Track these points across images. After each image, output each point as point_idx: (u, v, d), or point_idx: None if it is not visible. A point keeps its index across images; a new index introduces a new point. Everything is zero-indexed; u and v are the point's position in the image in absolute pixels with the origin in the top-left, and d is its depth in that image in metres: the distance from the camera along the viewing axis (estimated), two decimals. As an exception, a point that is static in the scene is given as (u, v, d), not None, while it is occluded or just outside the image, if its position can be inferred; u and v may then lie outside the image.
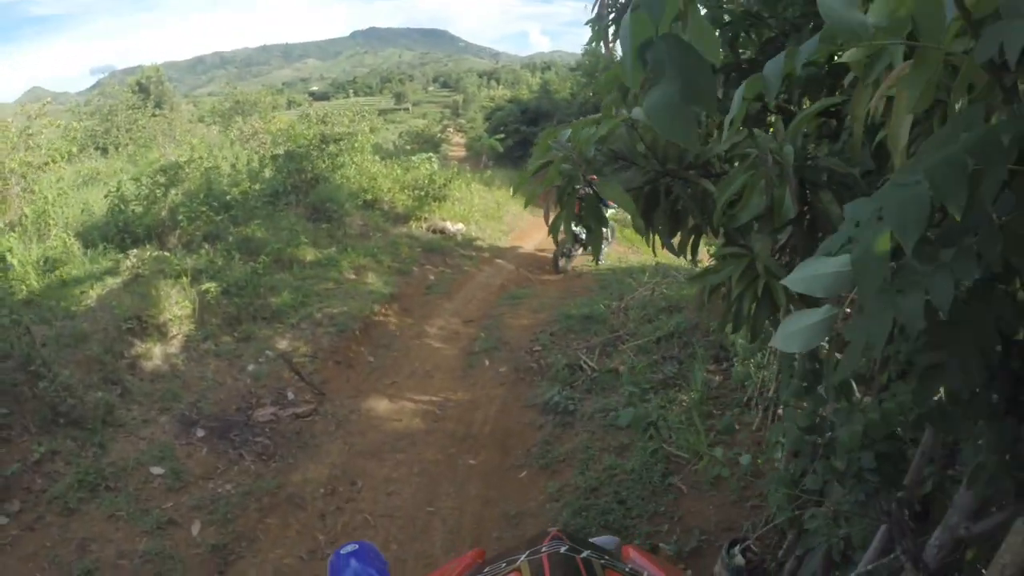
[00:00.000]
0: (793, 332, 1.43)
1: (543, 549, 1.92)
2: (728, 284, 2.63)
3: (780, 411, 5.33)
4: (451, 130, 35.19)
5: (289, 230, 11.17)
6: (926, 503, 2.91)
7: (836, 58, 2.44)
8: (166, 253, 9.11)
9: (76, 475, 5.41)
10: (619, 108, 2.88)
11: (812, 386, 3.04)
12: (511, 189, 18.10)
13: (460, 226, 15.19)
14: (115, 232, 9.73)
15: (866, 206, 1.29)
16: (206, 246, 9.77)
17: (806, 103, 3.15)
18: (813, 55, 1.40)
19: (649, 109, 1.25)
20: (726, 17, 3.32)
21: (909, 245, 1.15)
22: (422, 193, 15.31)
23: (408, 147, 22.95)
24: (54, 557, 4.74)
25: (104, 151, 18.53)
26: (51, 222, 9.39)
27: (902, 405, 2.73)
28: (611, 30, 6.53)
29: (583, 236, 9.56)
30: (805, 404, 3.20)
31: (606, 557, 1.95)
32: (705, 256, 3.34)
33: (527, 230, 16.40)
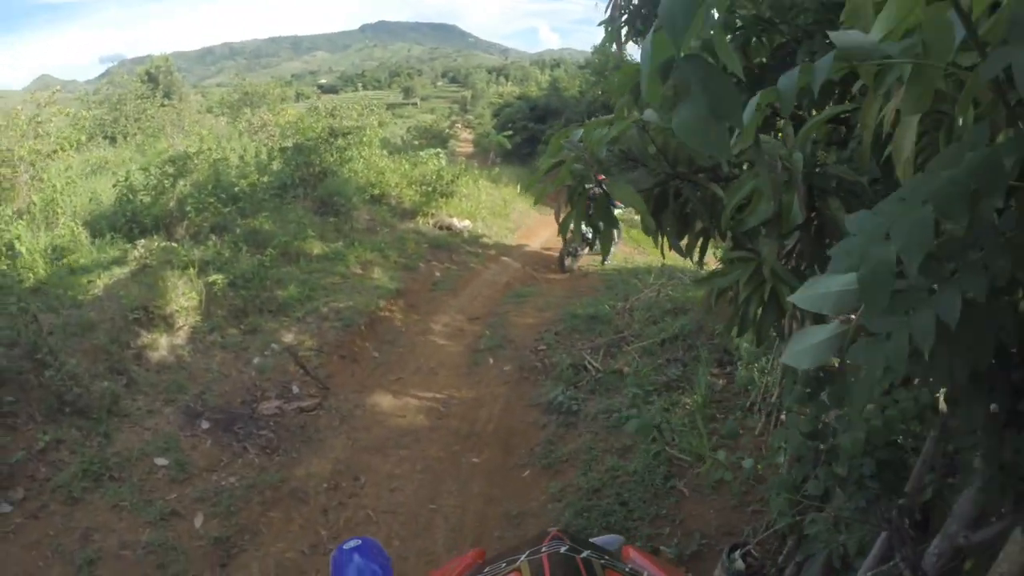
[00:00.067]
0: (803, 349, 1.46)
1: (543, 549, 1.93)
2: (735, 288, 2.64)
3: (783, 416, 5.33)
4: (459, 126, 35.10)
5: (296, 223, 11.19)
6: (926, 511, 2.92)
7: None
8: (174, 244, 9.11)
9: (80, 464, 5.43)
10: (631, 110, 2.88)
11: (815, 392, 3.05)
12: (518, 186, 18.19)
13: (467, 223, 15.19)
14: (123, 222, 9.75)
15: (871, 221, 1.32)
16: (213, 238, 9.79)
17: (815, 109, 3.16)
18: (829, 72, 1.41)
19: (680, 127, 1.27)
20: (738, 22, 3.32)
21: (914, 266, 1.19)
22: (429, 189, 15.33)
23: (416, 142, 22.94)
24: (57, 546, 4.75)
25: (113, 140, 18.55)
26: (59, 210, 9.39)
27: (904, 412, 2.73)
28: (623, 31, 6.53)
29: (590, 236, 9.57)
30: (808, 410, 3.20)
31: (606, 557, 1.96)
32: (712, 259, 3.34)
33: (533, 228, 16.41)
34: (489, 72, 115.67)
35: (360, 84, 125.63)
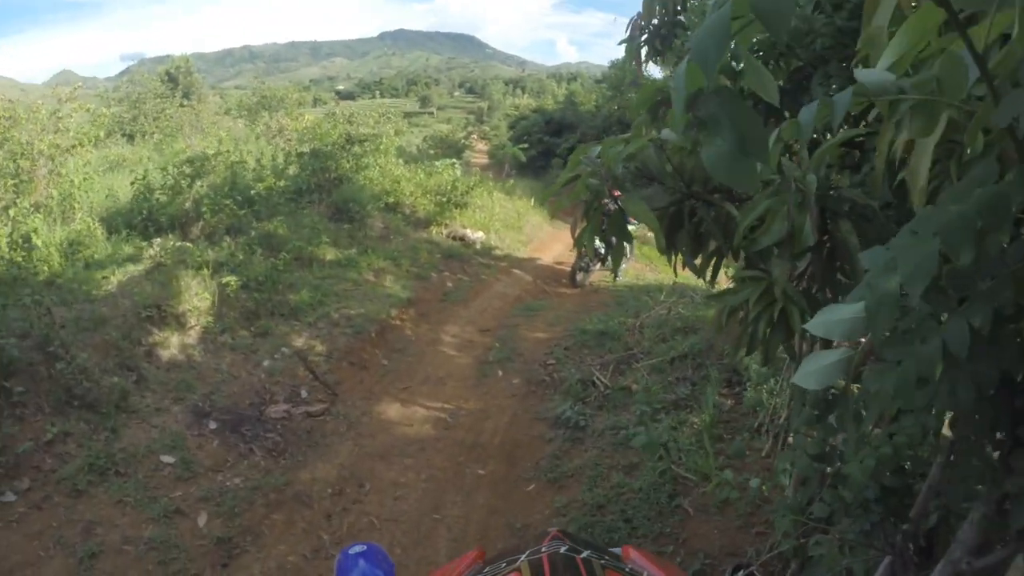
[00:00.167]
0: (812, 371, 1.53)
1: (543, 549, 1.93)
2: (745, 307, 2.65)
3: (790, 438, 5.32)
4: (475, 137, 35.11)
5: (311, 228, 11.21)
6: (930, 537, 2.91)
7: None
8: (188, 244, 9.15)
9: (87, 458, 5.45)
10: (648, 128, 2.90)
11: (824, 415, 3.04)
12: (532, 199, 18.21)
13: (480, 234, 15.20)
14: (139, 220, 9.81)
15: (883, 256, 1.38)
16: (228, 239, 9.82)
17: (829, 133, 3.18)
18: (848, 108, 1.46)
19: (710, 162, 1.31)
20: (755, 47, 3.35)
21: (916, 295, 1.27)
22: (444, 199, 15.35)
23: (432, 152, 22.98)
24: (59, 537, 4.77)
25: (131, 138, 18.65)
26: (76, 205, 9.45)
27: (912, 439, 2.73)
28: (643, 51, 6.56)
29: (603, 251, 9.60)
30: (815, 432, 3.20)
31: (606, 557, 1.97)
32: (724, 279, 3.35)
33: (546, 241, 16.43)
34: (506, 84, 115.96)
35: (377, 91, 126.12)
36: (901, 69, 1.57)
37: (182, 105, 22.51)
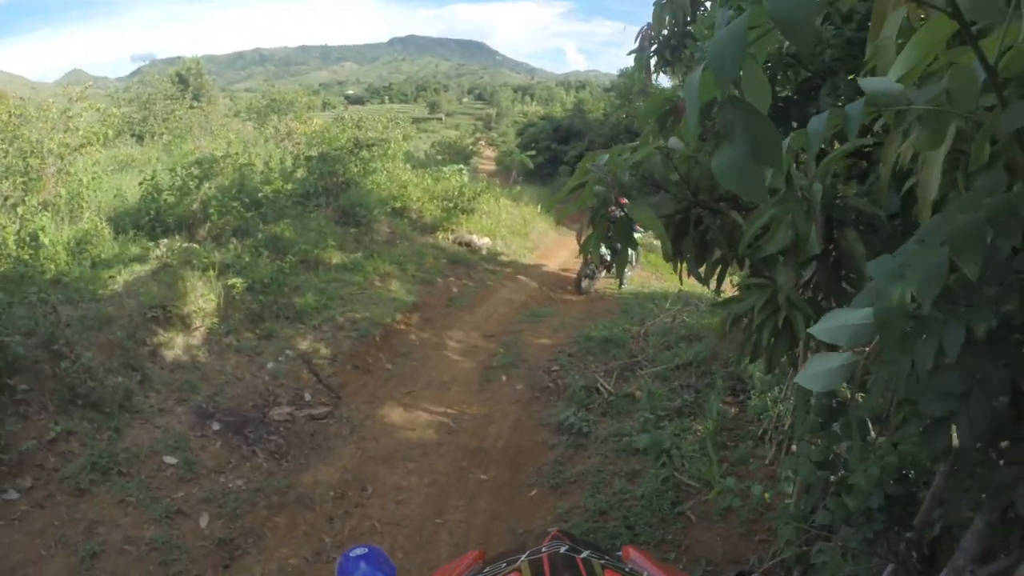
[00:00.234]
0: (817, 373, 1.52)
1: (543, 549, 1.93)
2: (750, 315, 2.65)
3: (794, 446, 5.32)
4: (483, 143, 35.17)
5: (317, 232, 11.24)
6: (934, 545, 2.90)
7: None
8: (195, 245, 9.16)
9: (90, 457, 5.45)
10: (656, 137, 2.91)
11: (828, 423, 3.04)
12: (539, 206, 18.21)
13: (486, 240, 15.22)
14: (147, 220, 9.81)
15: (890, 264, 1.39)
16: (235, 241, 9.83)
17: (837, 142, 3.18)
18: (861, 118, 1.46)
19: (720, 170, 1.30)
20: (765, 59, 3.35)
21: (927, 303, 1.26)
22: (451, 204, 15.36)
23: (439, 157, 23.03)
24: (61, 536, 4.78)
25: (140, 139, 18.72)
26: (84, 204, 9.45)
27: (916, 447, 2.72)
28: (652, 61, 6.58)
29: (608, 258, 9.59)
30: (819, 440, 3.19)
31: (606, 557, 1.96)
32: (729, 287, 3.36)
33: (552, 248, 16.43)
34: (515, 91, 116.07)
35: (387, 96, 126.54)
36: (909, 82, 1.58)
37: (192, 107, 22.56)
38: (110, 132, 11.80)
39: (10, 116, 9.44)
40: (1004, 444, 2.01)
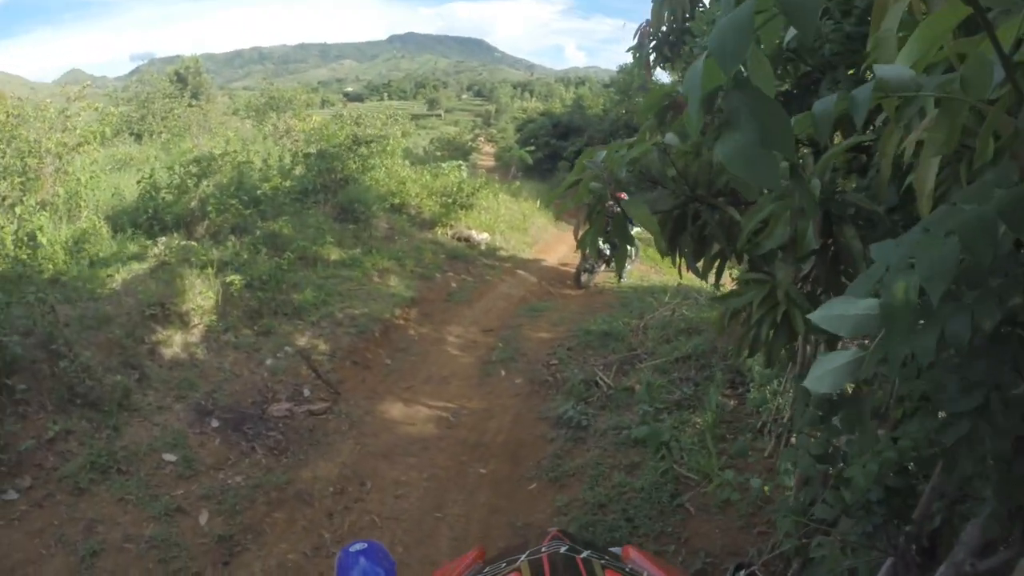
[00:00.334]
0: (823, 373, 1.48)
1: (543, 549, 1.92)
2: (748, 309, 2.64)
3: (793, 438, 5.32)
4: (482, 139, 35.09)
5: (316, 228, 11.24)
6: (933, 538, 2.90)
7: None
8: (193, 243, 9.16)
9: (88, 456, 5.45)
10: (654, 133, 2.90)
11: (827, 416, 3.03)
12: (538, 201, 18.21)
13: (485, 235, 15.20)
14: (145, 218, 9.82)
15: (895, 250, 1.33)
16: (233, 239, 9.82)
17: (837, 137, 3.17)
18: (869, 103, 1.42)
19: (727, 157, 1.26)
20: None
21: (936, 296, 1.20)
22: (449, 200, 15.35)
23: (438, 153, 22.99)
24: (61, 535, 4.78)
25: (139, 137, 18.73)
26: (82, 203, 9.46)
27: (917, 442, 2.71)
28: (651, 57, 6.57)
29: (608, 252, 9.59)
30: (819, 433, 3.19)
31: (606, 557, 1.96)
32: (728, 281, 3.35)
33: (551, 243, 16.41)
34: (514, 87, 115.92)
35: (386, 94, 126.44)
36: (913, 75, 1.55)
37: (190, 105, 22.58)
38: (107, 131, 11.80)
39: (8, 116, 9.44)
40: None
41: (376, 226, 13.00)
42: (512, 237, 16.24)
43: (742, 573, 4.00)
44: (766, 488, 5.15)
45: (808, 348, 4.21)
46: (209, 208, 10.00)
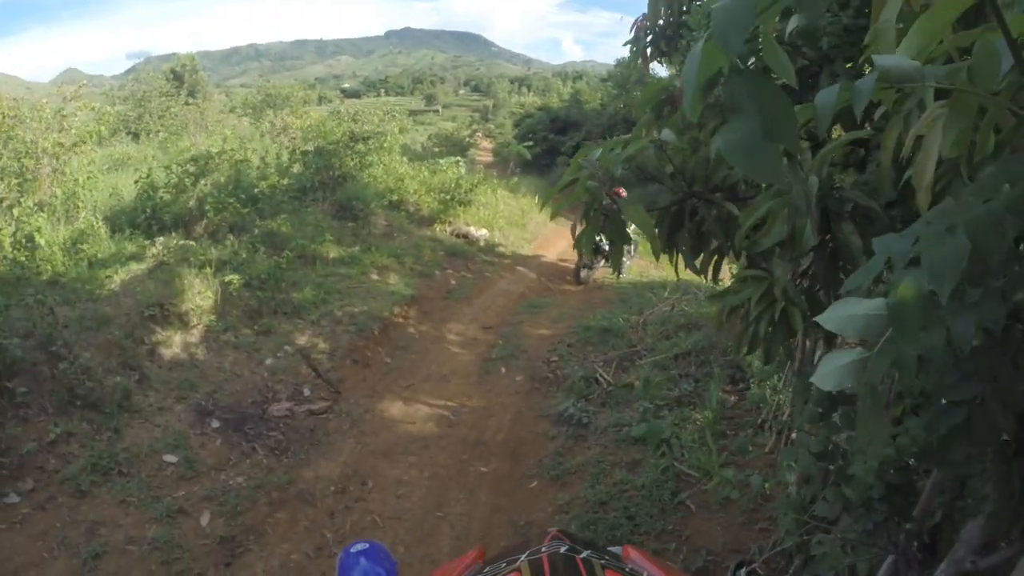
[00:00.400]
0: (829, 372, 1.43)
1: (543, 549, 1.92)
2: (747, 306, 2.64)
3: (793, 435, 5.31)
4: (480, 135, 35.08)
5: (314, 226, 11.24)
6: (934, 535, 2.90)
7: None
8: (191, 242, 9.16)
9: (90, 458, 5.45)
10: (652, 127, 2.89)
11: (827, 413, 3.03)
12: (537, 197, 18.22)
13: (484, 232, 15.21)
14: (143, 218, 9.81)
15: (898, 244, 1.29)
16: (231, 238, 9.82)
17: (836, 132, 3.16)
18: (872, 93, 1.39)
19: (728, 148, 1.21)
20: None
21: (945, 294, 1.15)
22: (448, 197, 15.36)
23: (436, 149, 23.00)
24: (63, 538, 4.78)
25: (136, 137, 18.71)
26: (80, 204, 9.45)
27: (916, 439, 2.71)
28: (648, 51, 6.56)
29: (607, 247, 9.59)
30: (819, 429, 3.18)
31: (606, 557, 1.95)
32: (728, 275, 3.35)
33: (550, 239, 16.40)
34: (511, 82, 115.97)
35: (383, 90, 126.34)
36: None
37: (187, 103, 22.56)
38: (103, 129, 11.79)
39: (3, 118, 9.42)
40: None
41: (375, 223, 13.00)
42: (511, 233, 16.25)
43: (743, 570, 4.01)
44: (767, 485, 5.15)
45: (807, 344, 4.21)
46: (207, 207, 9.99)
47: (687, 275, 3.07)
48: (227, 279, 8.43)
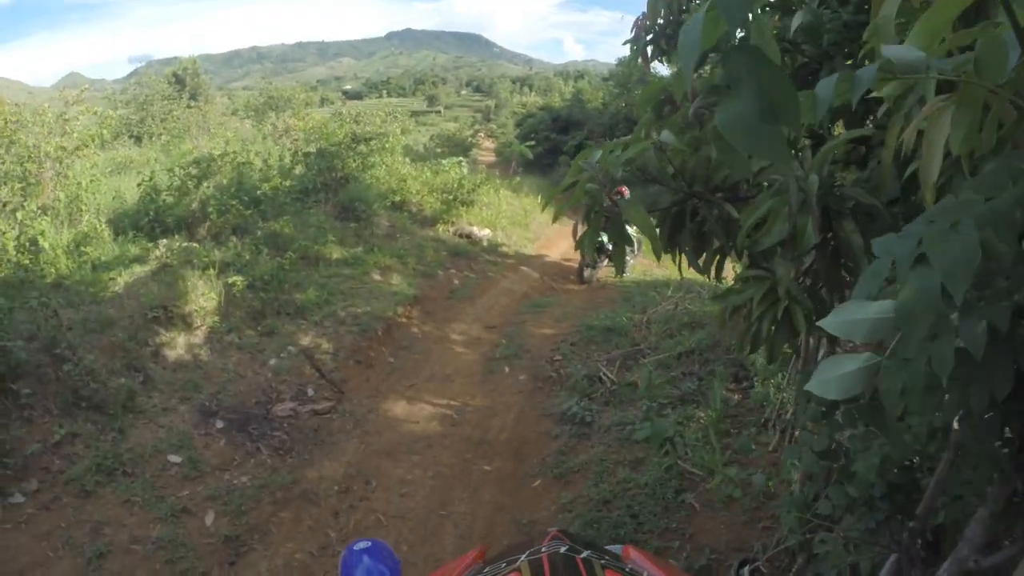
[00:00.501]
0: (831, 378, 1.37)
1: (543, 549, 1.92)
2: (749, 305, 2.64)
3: (797, 433, 5.31)
4: (482, 135, 35.11)
5: (317, 228, 11.25)
6: (938, 534, 2.89)
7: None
8: (195, 244, 9.17)
9: (94, 459, 5.47)
10: (652, 126, 2.89)
11: (830, 411, 3.02)
12: (539, 197, 18.23)
13: (487, 232, 15.21)
14: (146, 221, 9.82)
15: (901, 244, 1.26)
16: (234, 239, 9.84)
17: (837, 128, 3.16)
18: (872, 83, 1.38)
19: (727, 127, 1.16)
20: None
21: (959, 294, 1.12)
22: (450, 197, 15.37)
23: (439, 150, 23.02)
24: (68, 538, 4.79)
25: (138, 140, 18.76)
26: (83, 207, 9.47)
27: (918, 437, 2.71)
28: (649, 50, 6.57)
29: (609, 246, 9.58)
30: (822, 428, 3.18)
31: (606, 557, 1.95)
32: (731, 273, 3.35)
33: (553, 238, 16.39)
34: (513, 82, 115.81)
35: (385, 91, 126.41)
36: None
37: (189, 106, 22.58)
38: (106, 133, 11.82)
39: (6, 123, 9.44)
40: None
41: (377, 224, 13.01)
42: (514, 233, 16.26)
43: (747, 569, 4.01)
44: (770, 484, 5.14)
45: (811, 342, 4.21)
46: (210, 209, 10.00)
47: (690, 274, 3.07)
48: (230, 280, 8.44)
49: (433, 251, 12.96)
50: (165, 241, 9.09)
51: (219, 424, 6.40)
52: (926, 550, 2.81)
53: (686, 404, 6.73)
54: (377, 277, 10.83)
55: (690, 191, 2.74)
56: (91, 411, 5.93)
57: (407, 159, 16.88)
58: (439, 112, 74.29)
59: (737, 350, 6.65)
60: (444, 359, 8.86)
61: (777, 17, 3.60)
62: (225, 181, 11.12)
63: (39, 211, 8.70)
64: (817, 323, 1.59)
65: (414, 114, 46.32)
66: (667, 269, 12.95)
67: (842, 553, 3.17)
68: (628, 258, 12.03)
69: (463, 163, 17.28)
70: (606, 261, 12.73)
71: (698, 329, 8.48)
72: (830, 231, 2.39)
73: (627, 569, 1.93)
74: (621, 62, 28.12)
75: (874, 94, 1.64)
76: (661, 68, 7.34)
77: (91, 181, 10.00)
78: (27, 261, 7.59)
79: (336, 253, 11.01)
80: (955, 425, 2.47)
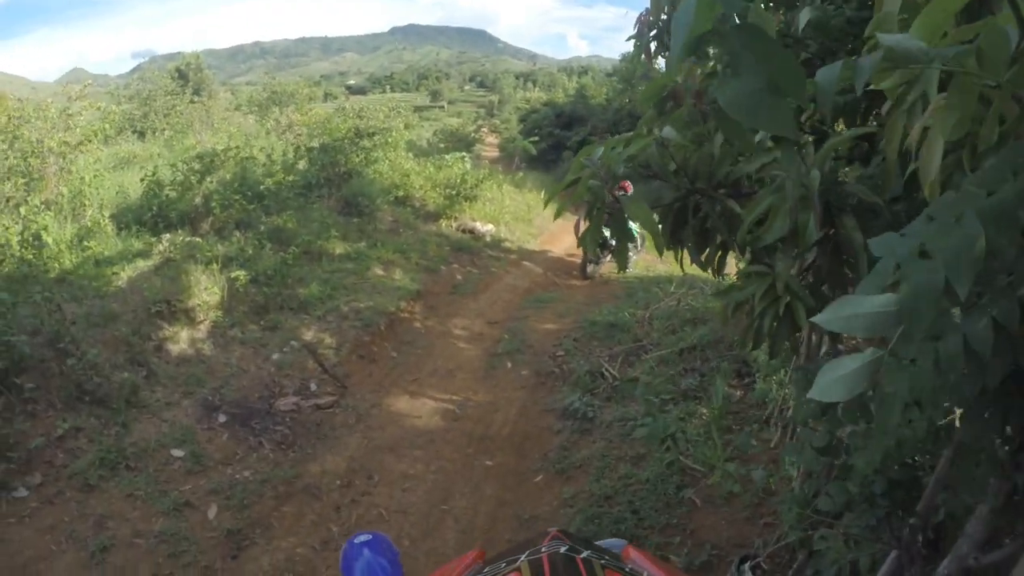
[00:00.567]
0: (833, 380, 1.32)
1: (543, 549, 1.92)
2: (751, 302, 2.64)
3: (799, 430, 5.31)
4: (485, 130, 35.10)
5: (320, 222, 11.26)
6: (938, 530, 2.89)
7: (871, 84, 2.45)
8: (198, 239, 9.19)
9: (98, 453, 5.48)
10: (654, 123, 2.89)
11: (830, 407, 3.02)
12: (543, 192, 18.24)
13: (490, 227, 15.22)
14: (149, 216, 9.83)
15: (901, 243, 1.23)
16: (237, 234, 9.85)
17: (839, 125, 3.15)
18: (874, 71, 1.37)
19: (730, 103, 1.15)
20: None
21: (964, 289, 1.11)
22: (453, 192, 15.36)
23: (442, 145, 23.03)
24: (71, 532, 4.80)
25: (142, 135, 18.77)
26: (86, 202, 9.47)
27: (918, 433, 2.71)
28: (652, 46, 6.56)
29: (612, 242, 9.59)
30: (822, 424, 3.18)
31: (606, 557, 1.95)
32: (734, 269, 3.35)
33: (556, 234, 16.38)
34: (517, 77, 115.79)
35: (388, 86, 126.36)
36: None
37: (192, 102, 22.57)
38: (109, 128, 11.83)
39: (9, 118, 9.45)
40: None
41: (380, 219, 13.02)
42: (517, 228, 16.26)
43: (747, 565, 4.01)
44: (771, 480, 5.14)
45: (813, 338, 4.21)
46: (213, 204, 10.01)
47: (693, 269, 3.08)
48: (233, 275, 8.45)
49: (436, 246, 12.97)
50: (168, 236, 9.09)
51: (222, 418, 6.42)
52: (926, 547, 2.81)
53: (688, 400, 6.73)
54: (380, 272, 10.84)
55: (692, 187, 2.74)
56: (94, 405, 5.94)
57: (410, 154, 16.88)
58: (442, 107, 74.26)
59: (739, 346, 6.64)
60: (446, 354, 8.86)
61: (781, 12, 3.60)
62: (228, 176, 11.13)
63: (42, 206, 8.70)
64: (810, 319, 1.56)
65: (417, 109, 46.27)
66: (669, 265, 12.91)
67: (842, 549, 3.17)
68: (631, 254, 12.08)
69: (466, 158, 17.28)
70: (609, 257, 12.72)
71: (700, 325, 8.48)
72: (831, 227, 2.39)
73: (627, 569, 1.93)
74: (625, 58, 28.12)
75: (875, 88, 1.64)
76: (664, 65, 7.35)
77: (94, 176, 9.99)
78: (31, 256, 7.61)
79: (339, 248, 11.01)
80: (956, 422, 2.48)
